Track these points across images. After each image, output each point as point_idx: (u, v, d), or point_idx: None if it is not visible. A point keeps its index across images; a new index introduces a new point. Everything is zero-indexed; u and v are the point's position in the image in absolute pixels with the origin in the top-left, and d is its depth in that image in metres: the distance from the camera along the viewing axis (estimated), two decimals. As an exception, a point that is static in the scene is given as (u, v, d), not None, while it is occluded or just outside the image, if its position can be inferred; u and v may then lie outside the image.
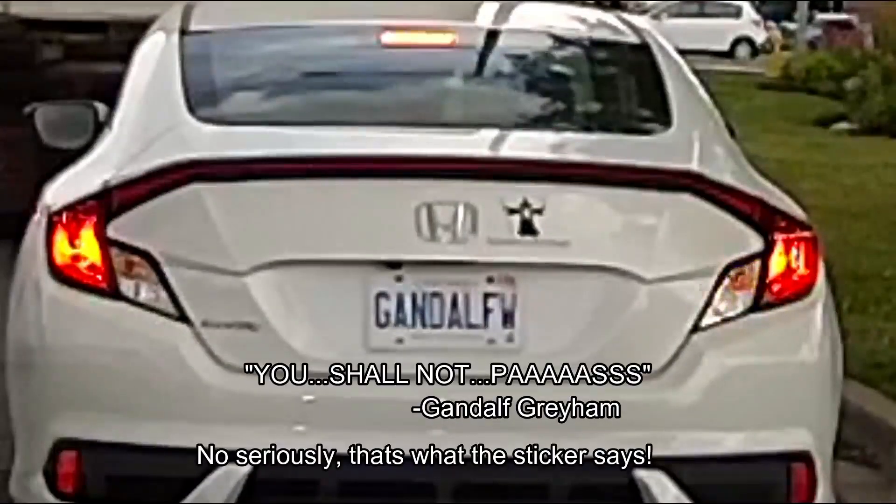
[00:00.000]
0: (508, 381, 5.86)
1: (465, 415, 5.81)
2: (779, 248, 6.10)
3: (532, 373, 5.87)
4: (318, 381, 5.83)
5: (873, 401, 8.92)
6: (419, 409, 5.80)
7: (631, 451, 5.80)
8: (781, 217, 6.18)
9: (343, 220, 6.02)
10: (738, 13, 69.29)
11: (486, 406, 5.81)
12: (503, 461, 5.79)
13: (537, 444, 5.80)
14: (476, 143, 6.52)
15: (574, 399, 5.84)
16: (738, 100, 28.21)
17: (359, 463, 5.76)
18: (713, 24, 64.34)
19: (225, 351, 5.83)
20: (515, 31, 8.19)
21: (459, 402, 5.81)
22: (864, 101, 33.40)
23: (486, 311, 5.93)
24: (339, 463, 5.75)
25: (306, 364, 5.82)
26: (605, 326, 5.94)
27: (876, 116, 31.68)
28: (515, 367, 5.86)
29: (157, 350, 5.90)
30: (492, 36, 7.94)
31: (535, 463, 5.81)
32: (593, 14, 9.12)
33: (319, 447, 5.74)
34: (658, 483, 5.78)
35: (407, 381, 5.84)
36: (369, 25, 7.77)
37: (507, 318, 5.92)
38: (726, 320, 6.00)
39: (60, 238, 6.06)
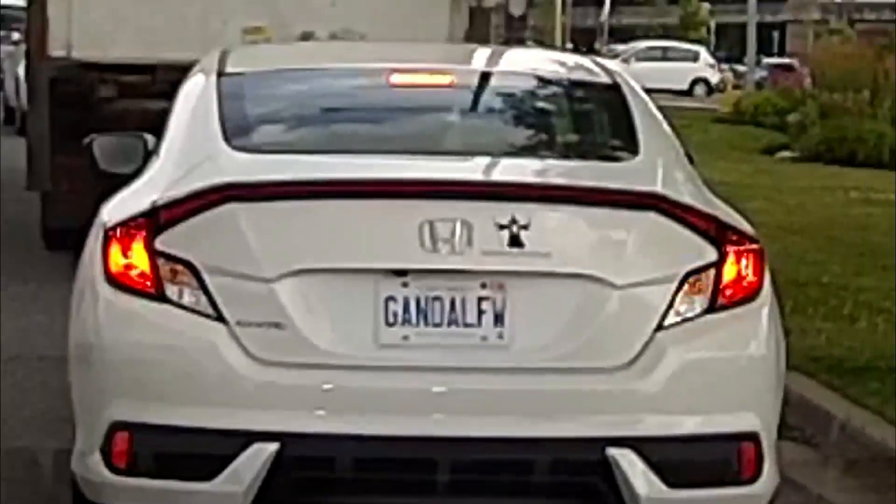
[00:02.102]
0: (496, 374, 5.97)
1: (462, 401, 5.95)
2: (731, 258, 6.18)
3: (519, 367, 5.99)
4: (337, 370, 5.96)
5: (812, 389, 8.99)
6: (422, 397, 5.94)
7: (603, 431, 5.91)
8: (733, 232, 6.26)
9: (358, 234, 6.13)
10: (695, 57, 70.34)
11: (479, 393, 5.94)
12: (494, 440, 5.88)
13: (523, 426, 5.92)
14: (471, 169, 6.63)
15: (555, 388, 5.98)
16: (695, 132, 28.29)
17: (370, 442, 5.84)
18: (674, 67, 65.11)
19: (256, 347, 5.90)
20: (505, 73, 8.37)
21: (456, 390, 5.94)
22: (804, 133, 33.80)
23: (480, 313, 5.98)
24: (353, 442, 5.84)
25: (325, 358, 5.91)
26: (582, 325, 6.00)
27: (814, 146, 31.99)
28: (503, 359, 6.00)
29: (198, 346, 5.98)
30: (484, 77, 8.10)
31: (522, 442, 5.91)
32: (571, 58, 9.26)
33: (336, 429, 5.86)
34: (627, 459, 5.82)
35: (412, 373, 5.95)
36: (379, 68, 7.93)
37: (498, 319, 5.98)
38: (686, 320, 6.07)
39: (114, 250, 6.15)
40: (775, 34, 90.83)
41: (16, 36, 35.15)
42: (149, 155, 6.99)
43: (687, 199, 6.34)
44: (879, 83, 35.81)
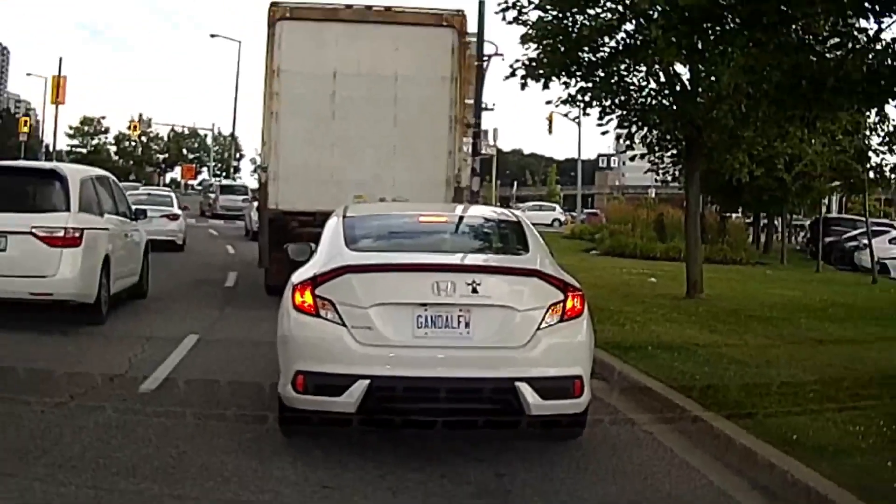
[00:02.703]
0: (467, 349, 6.08)
1: (451, 361, 6.05)
2: (569, 297, 6.26)
3: (477, 346, 6.06)
4: (395, 348, 6.04)
5: (606, 356, 8.97)
6: (433, 359, 6.05)
7: (513, 374, 5.98)
8: (570, 286, 6.33)
9: (404, 287, 6.21)
10: (554, 209, 70.25)
11: (458, 358, 6.04)
12: (465, 378, 5.98)
13: (479, 372, 6.02)
14: (455, 258, 6.71)
15: (493, 356, 6.08)
16: (553, 242, 28.05)
17: (409, 379, 5.96)
18: (545, 213, 64.55)
19: (360, 337, 5.99)
20: (470, 216, 8.52)
21: (448, 356, 6.04)
22: (602, 242, 33.80)
23: (458, 322, 6.08)
24: (402, 379, 5.97)
25: (391, 342, 6.00)
26: (504, 327, 6.09)
27: (606, 248, 31.74)
28: (470, 343, 6.09)
29: (334, 337, 6.05)
30: (461, 218, 8.29)
31: (479, 378, 5.99)
32: (499, 209, 9.35)
33: (395, 373, 5.99)
34: (523, 386, 5.88)
35: (428, 349, 6.05)
36: (414, 213, 8.07)
37: (467, 325, 6.07)
38: (550, 326, 6.14)
39: (297, 294, 6.24)
40: (590, 199, 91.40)
41: (248, 197, 36.04)
42: (312, 253, 7.04)
43: (550, 271, 6.45)
44: (636, 221, 35.79)
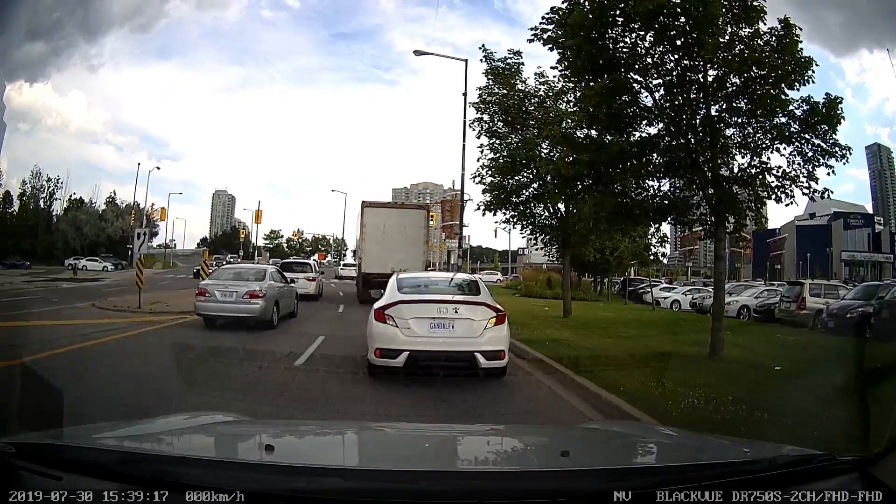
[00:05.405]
0: (453, 338, 5.96)
1: (446, 342, 5.93)
2: (498, 314, 6.18)
3: (457, 337, 5.96)
4: (421, 338, 5.90)
5: (523, 345, 8.78)
6: (438, 341, 5.91)
7: (474, 349, 5.90)
8: (499, 309, 6.26)
9: (425, 310, 6.08)
10: (497, 274, 65.91)
11: (449, 342, 5.92)
12: (452, 351, 5.90)
13: (458, 348, 5.91)
14: (448, 297, 6.49)
15: (465, 341, 5.95)
16: (494, 290, 27.67)
17: (426, 351, 5.83)
18: (492, 276, 60.29)
19: (404, 332, 5.89)
20: (455, 277, 8.12)
21: (444, 341, 5.91)
22: (519, 290, 32.96)
23: (449, 326, 6.00)
24: (423, 352, 5.85)
25: (418, 334, 5.89)
26: (470, 328, 6.00)
27: (523, 293, 31.04)
28: (454, 335, 5.97)
29: (392, 332, 5.94)
30: (451, 278, 7.94)
31: (458, 351, 5.90)
32: (469, 274, 9.22)
33: (421, 348, 5.86)
34: (478, 355, 5.87)
35: (435, 338, 5.93)
36: (427, 275, 8.05)
37: (453, 327, 5.98)
38: (490, 327, 6.06)
39: (376, 313, 6.15)
40: (514, 269, 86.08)
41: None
42: (382, 294, 6.86)
43: (490, 302, 6.34)
44: (537, 279, 35.13)
